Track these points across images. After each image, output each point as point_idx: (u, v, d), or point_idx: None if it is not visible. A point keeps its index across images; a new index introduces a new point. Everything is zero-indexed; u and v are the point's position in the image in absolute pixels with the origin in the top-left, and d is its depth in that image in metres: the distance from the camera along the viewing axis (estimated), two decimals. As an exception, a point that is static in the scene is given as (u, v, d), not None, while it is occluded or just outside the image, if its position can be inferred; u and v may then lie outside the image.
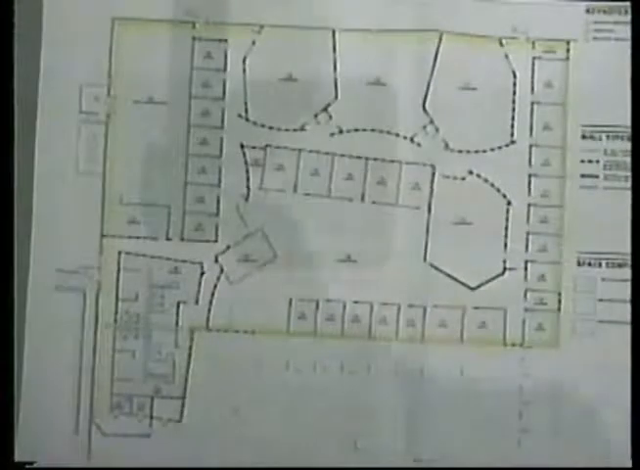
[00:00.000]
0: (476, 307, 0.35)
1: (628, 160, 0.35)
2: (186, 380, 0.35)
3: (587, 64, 0.35)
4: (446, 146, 0.35)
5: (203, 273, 0.35)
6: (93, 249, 0.35)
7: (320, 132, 0.34)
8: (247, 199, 0.35)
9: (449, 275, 0.35)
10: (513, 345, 0.34)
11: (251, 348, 0.35)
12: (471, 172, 0.35)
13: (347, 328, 0.35)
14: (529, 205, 0.35)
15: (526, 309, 0.35)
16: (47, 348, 0.34)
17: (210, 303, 0.35)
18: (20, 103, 0.35)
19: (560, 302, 0.35)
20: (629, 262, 0.34)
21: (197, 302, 0.35)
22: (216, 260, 0.35)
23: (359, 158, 0.35)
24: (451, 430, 0.34)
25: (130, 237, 0.35)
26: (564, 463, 0.34)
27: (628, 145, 0.35)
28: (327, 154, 0.35)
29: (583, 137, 0.35)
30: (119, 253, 0.35)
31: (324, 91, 0.35)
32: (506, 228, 0.35)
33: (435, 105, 0.35)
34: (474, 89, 0.35)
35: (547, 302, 0.35)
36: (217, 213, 0.35)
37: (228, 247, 0.35)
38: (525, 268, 0.35)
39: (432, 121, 0.35)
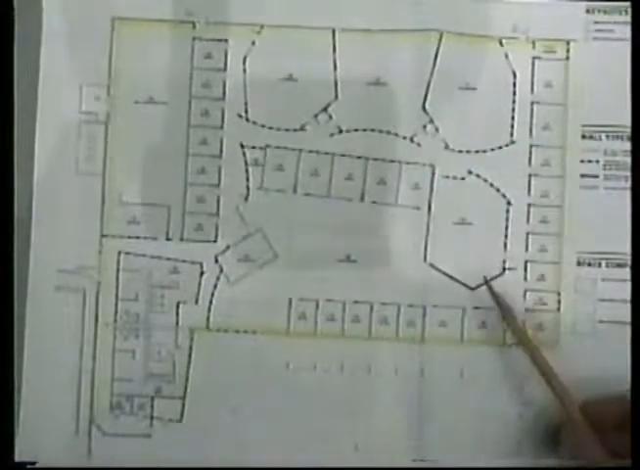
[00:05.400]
0: (476, 307, 0.35)
1: (628, 160, 0.35)
2: (186, 380, 0.35)
3: (587, 64, 0.35)
4: (446, 146, 0.35)
5: (202, 273, 0.35)
6: (93, 249, 0.35)
7: (320, 132, 0.34)
8: (246, 199, 0.35)
9: (449, 275, 0.35)
10: (513, 345, 0.34)
11: (251, 348, 0.35)
12: (470, 172, 0.35)
13: (347, 328, 0.35)
14: (529, 205, 0.35)
15: (526, 309, 0.35)
16: (47, 348, 0.34)
17: (210, 303, 0.35)
18: (20, 103, 0.35)
19: (560, 302, 0.35)
20: (629, 262, 0.34)
21: (197, 302, 0.35)
22: (216, 260, 0.35)
23: (359, 158, 0.35)
24: (451, 430, 0.34)
25: (130, 237, 0.35)
26: (564, 463, 0.34)
27: (628, 145, 0.35)
28: (327, 154, 0.35)
29: (583, 137, 0.35)
30: (119, 253, 0.35)
31: (324, 91, 0.35)
32: (506, 228, 0.35)
33: (435, 105, 0.35)
34: (474, 89, 0.35)
35: (547, 302, 0.35)
36: (217, 213, 0.35)
37: (228, 247, 0.35)
38: (525, 268, 0.35)
39: (431, 121, 0.35)
